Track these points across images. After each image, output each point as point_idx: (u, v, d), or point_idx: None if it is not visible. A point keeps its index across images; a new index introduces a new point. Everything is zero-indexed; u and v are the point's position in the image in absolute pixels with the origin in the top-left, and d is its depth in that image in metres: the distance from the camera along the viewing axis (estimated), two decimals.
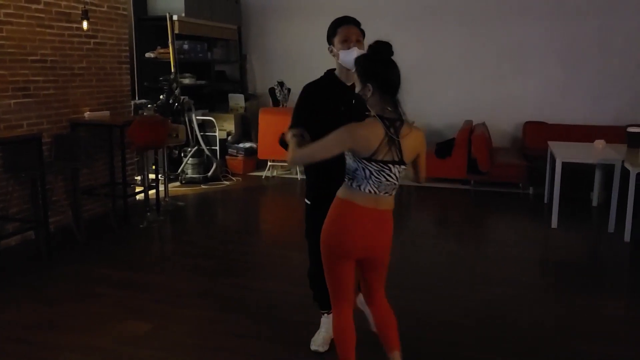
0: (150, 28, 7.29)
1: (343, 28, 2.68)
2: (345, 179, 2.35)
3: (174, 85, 6.67)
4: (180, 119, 6.74)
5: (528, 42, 7.64)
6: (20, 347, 3.12)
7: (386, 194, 2.32)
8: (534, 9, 7.56)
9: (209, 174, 7.29)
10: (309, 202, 2.92)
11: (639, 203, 4.89)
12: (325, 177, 2.58)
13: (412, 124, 2.34)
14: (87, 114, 5.46)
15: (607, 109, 7.46)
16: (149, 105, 6.51)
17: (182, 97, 6.73)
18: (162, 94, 6.66)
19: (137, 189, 6.02)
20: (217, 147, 7.59)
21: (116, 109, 5.90)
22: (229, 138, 7.87)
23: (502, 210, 6.30)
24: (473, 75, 7.89)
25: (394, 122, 2.25)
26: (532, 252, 4.88)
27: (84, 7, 5.27)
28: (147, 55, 7.17)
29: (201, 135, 7.20)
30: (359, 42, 2.66)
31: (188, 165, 7.21)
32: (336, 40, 2.68)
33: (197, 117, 7.17)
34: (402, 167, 2.29)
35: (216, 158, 7.45)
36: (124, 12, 6.04)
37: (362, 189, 2.29)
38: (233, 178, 7.52)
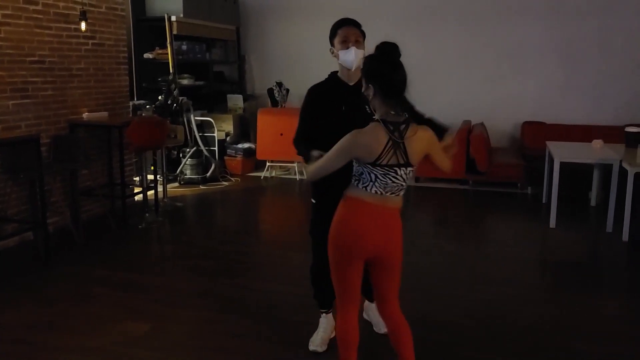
0: (149, 29, 7.29)
1: (343, 29, 2.74)
2: (352, 180, 2.36)
3: (173, 85, 6.67)
4: (179, 120, 6.73)
5: (527, 42, 7.65)
6: (19, 347, 3.11)
7: (393, 194, 2.31)
8: (533, 9, 7.57)
9: (208, 174, 7.28)
10: (314, 201, 2.96)
11: (636, 203, 4.89)
12: (330, 177, 2.60)
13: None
14: (85, 115, 5.45)
15: (605, 108, 7.47)
16: (148, 106, 6.50)
17: (180, 98, 6.72)
18: (161, 95, 6.66)
19: (136, 190, 6.01)
20: (216, 148, 7.59)
21: (115, 110, 5.89)
22: (228, 139, 7.87)
23: (501, 210, 6.31)
24: (472, 75, 7.90)
25: (398, 125, 2.23)
26: (531, 252, 4.88)
27: (82, 8, 5.27)
28: (146, 56, 7.17)
29: (200, 136, 7.20)
30: (358, 43, 2.72)
31: (187, 165, 7.21)
32: (336, 41, 2.75)
33: (196, 118, 7.16)
34: (409, 169, 2.27)
35: (215, 159, 7.45)
36: (122, 13, 6.03)
37: (368, 189, 2.29)
38: (232, 179, 7.52)
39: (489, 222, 6.10)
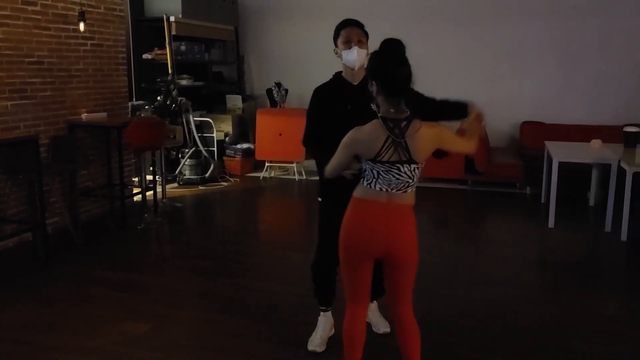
0: (148, 29, 7.28)
1: (346, 30, 2.80)
2: (360, 179, 2.37)
3: (172, 86, 6.67)
4: (178, 120, 6.73)
5: (526, 42, 7.66)
6: (19, 347, 3.11)
7: (399, 191, 2.30)
8: (532, 10, 7.57)
9: (207, 175, 7.28)
10: (320, 199, 3.01)
11: (635, 202, 4.90)
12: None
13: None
14: (84, 116, 5.44)
15: (604, 109, 7.48)
16: (147, 107, 6.49)
17: (179, 99, 6.72)
18: (160, 95, 6.66)
19: (135, 190, 6.00)
20: (215, 148, 7.59)
21: (113, 111, 5.89)
22: (227, 139, 7.86)
23: (500, 210, 6.32)
24: (471, 75, 7.89)
25: (399, 122, 2.24)
26: (530, 251, 4.89)
27: (81, 8, 5.27)
28: (145, 56, 7.17)
29: (199, 137, 7.19)
30: (360, 42, 2.76)
31: (186, 166, 7.20)
32: (339, 41, 2.81)
33: (195, 118, 7.16)
34: (413, 165, 2.25)
35: (214, 159, 7.45)
36: (121, 14, 6.03)
37: (372, 186, 2.30)
38: (231, 179, 7.51)
39: (488, 222, 6.10)
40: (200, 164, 7.28)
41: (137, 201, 5.99)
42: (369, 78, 2.29)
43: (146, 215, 5.56)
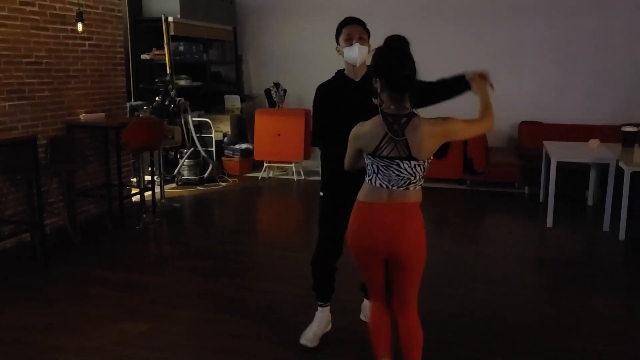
0: (146, 29, 7.27)
1: (347, 27, 2.84)
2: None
3: (170, 86, 6.66)
4: (176, 121, 6.72)
5: (524, 42, 7.67)
6: (19, 347, 3.10)
7: (400, 188, 2.29)
8: (530, 9, 7.58)
9: (205, 175, 7.27)
10: (322, 194, 3.04)
11: (633, 202, 4.91)
12: (337, 171, 2.65)
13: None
14: (82, 116, 5.43)
15: (602, 108, 7.48)
16: (145, 107, 6.49)
17: (177, 99, 6.71)
18: (158, 96, 6.65)
19: (133, 191, 6.00)
20: (213, 149, 7.58)
21: (112, 111, 5.88)
22: (225, 139, 7.86)
23: (498, 210, 6.32)
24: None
25: (399, 118, 2.24)
26: (529, 251, 4.89)
27: (79, 9, 5.25)
28: (143, 56, 7.16)
29: (197, 137, 7.19)
30: (362, 40, 2.80)
31: (184, 166, 7.19)
32: (341, 39, 2.85)
33: (193, 119, 7.15)
34: (414, 162, 2.25)
35: (212, 159, 7.44)
36: (119, 14, 6.02)
37: (373, 182, 2.32)
38: (229, 179, 7.51)
39: (486, 221, 6.11)
40: (199, 164, 7.27)
41: (135, 201, 5.98)
42: (373, 74, 2.30)
43: (144, 215, 5.55)
